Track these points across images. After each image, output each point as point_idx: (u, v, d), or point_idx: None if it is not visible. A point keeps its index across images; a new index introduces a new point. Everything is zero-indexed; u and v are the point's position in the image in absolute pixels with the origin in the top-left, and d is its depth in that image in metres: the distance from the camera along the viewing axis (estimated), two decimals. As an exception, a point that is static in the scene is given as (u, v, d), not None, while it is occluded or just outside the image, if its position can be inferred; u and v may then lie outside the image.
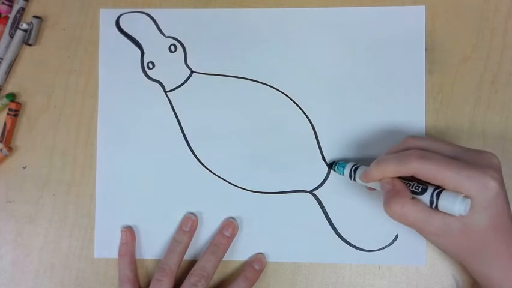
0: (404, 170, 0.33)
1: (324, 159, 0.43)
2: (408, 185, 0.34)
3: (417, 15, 0.43)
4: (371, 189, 0.39)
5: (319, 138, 0.43)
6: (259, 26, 0.44)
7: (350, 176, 0.39)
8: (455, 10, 0.43)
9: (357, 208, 0.42)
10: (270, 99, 0.43)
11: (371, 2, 0.43)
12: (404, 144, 0.36)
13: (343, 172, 0.40)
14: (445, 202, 0.31)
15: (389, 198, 0.33)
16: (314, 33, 0.43)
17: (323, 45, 0.43)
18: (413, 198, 0.33)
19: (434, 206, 0.32)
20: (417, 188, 0.33)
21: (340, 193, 0.42)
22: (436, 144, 0.35)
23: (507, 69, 0.42)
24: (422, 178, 0.32)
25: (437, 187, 0.32)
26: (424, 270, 0.41)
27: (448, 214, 0.32)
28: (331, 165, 0.42)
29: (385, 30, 0.43)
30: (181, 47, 0.44)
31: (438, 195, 0.32)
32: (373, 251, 0.42)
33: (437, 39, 0.43)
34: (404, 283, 0.42)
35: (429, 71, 0.42)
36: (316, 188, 0.42)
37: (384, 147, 0.42)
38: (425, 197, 0.32)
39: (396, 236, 0.42)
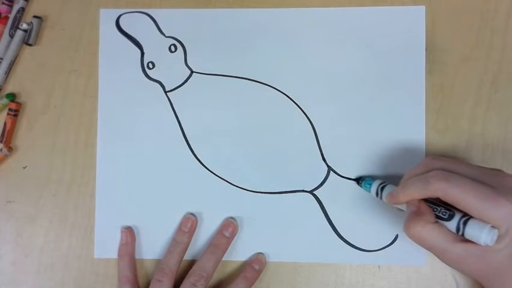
0: (428, 193, 0.32)
1: (324, 159, 0.43)
2: (435, 209, 0.33)
3: (417, 15, 0.43)
4: (400, 209, 0.38)
5: (319, 138, 0.43)
6: (259, 26, 0.44)
7: (377, 194, 0.39)
8: (455, 10, 0.43)
9: (357, 208, 0.42)
10: (270, 99, 0.43)
11: (371, 2, 0.43)
12: (425, 165, 0.35)
13: (369, 189, 0.40)
14: (472, 231, 0.31)
15: (411, 219, 0.33)
16: (314, 33, 0.43)
17: (323, 45, 0.43)
18: (436, 222, 0.33)
19: (460, 233, 0.31)
20: (444, 213, 0.33)
21: (340, 193, 0.42)
22: (458, 165, 0.34)
23: (507, 69, 0.42)
24: (446, 201, 0.32)
25: (464, 214, 0.32)
26: (424, 270, 0.41)
27: (471, 242, 0.31)
28: (358, 180, 0.42)
29: (385, 30, 0.43)
30: (181, 47, 0.44)
31: (465, 223, 0.31)
32: (373, 251, 0.42)
33: (437, 39, 0.43)
34: (404, 283, 0.41)
35: (429, 71, 0.42)
36: (316, 188, 0.42)
37: (384, 147, 0.42)
38: (452, 224, 0.32)
39: (396, 236, 0.42)
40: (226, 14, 0.44)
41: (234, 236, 0.42)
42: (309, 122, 0.43)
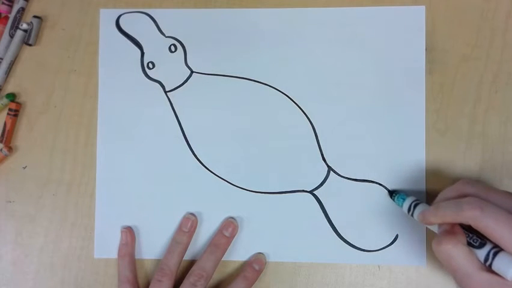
0: (461, 219, 0.32)
1: (324, 159, 0.43)
2: (466, 235, 0.33)
3: (417, 15, 0.43)
4: (431, 229, 0.38)
5: (319, 139, 0.43)
6: (259, 26, 0.44)
7: (408, 211, 0.38)
8: (455, 10, 0.43)
9: (357, 208, 0.42)
10: (270, 99, 0.43)
11: (371, 2, 0.43)
12: (459, 189, 0.35)
13: (402, 204, 0.39)
14: (501, 264, 0.30)
15: (442, 236, 0.32)
16: (314, 33, 0.43)
17: (322, 45, 0.43)
18: (467, 245, 0.32)
19: (488, 263, 0.31)
20: (475, 241, 0.32)
21: (340, 193, 0.42)
22: (493, 193, 0.33)
23: (507, 69, 0.42)
24: (477, 229, 0.31)
25: (495, 245, 0.31)
26: (424, 270, 0.41)
27: (496, 274, 0.31)
28: (391, 194, 0.41)
29: (385, 30, 0.43)
30: (181, 47, 0.44)
31: (495, 254, 0.31)
32: (373, 251, 0.42)
33: (437, 39, 0.43)
34: (404, 283, 0.41)
35: (429, 71, 0.42)
36: (316, 188, 0.42)
37: (384, 147, 0.42)
38: (481, 252, 0.32)
39: (396, 236, 0.42)
40: (226, 14, 0.44)
41: (234, 236, 0.42)
42: (309, 122, 0.43)
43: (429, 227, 0.36)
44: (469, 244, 0.32)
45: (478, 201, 0.32)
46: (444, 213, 0.33)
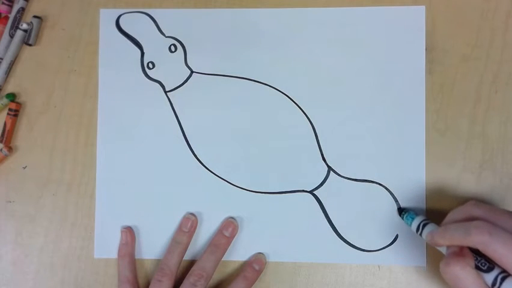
0: (468, 243, 0.32)
1: (324, 159, 0.43)
2: (475, 258, 0.33)
3: (417, 15, 0.43)
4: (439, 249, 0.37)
5: (319, 139, 0.43)
6: (259, 26, 0.44)
7: (417, 230, 0.38)
8: (455, 10, 0.43)
9: (357, 208, 0.42)
10: (270, 99, 0.43)
11: (371, 2, 0.43)
12: (467, 211, 0.34)
13: (411, 223, 0.39)
14: None
15: (450, 258, 0.32)
16: (314, 33, 0.43)
17: (322, 45, 0.43)
18: (475, 268, 0.32)
19: (495, 287, 0.31)
20: (483, 264, 0.32)
21: (340, 193, 0.42)
22: (502, 216, 0.33)
23: (507, 69, 0.42)
24: (486, 254, 0.31)
25: (503, 270, 0.31)
26: (424, 271, 0.41)
27: None
28: (400, 211, 0.41)
29: (385, 30, 0.43)
30: (181, 47, 0.44)
31: (503, 279, 0.31)
32: (373, 251, 0.42)
33: (437, 39, 0.43)
34: (404, 283, 0.41)
35: (429, 71, 0.42)
36: (316, 188, 0.42)
37: (384, 147, 0.42)
38: (489, 277, 0.32)
39: (396, 236, 0.42)
40: (226, 14, 0.44)
41: (234, 236, 0.42)
42: (309, 122, 0.43)
43: (438, 248, 0.36)
44: (477, 267, 0.32)
45: (486, 226, 0.31)
46: (452, 236, 0.33)
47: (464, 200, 0.41)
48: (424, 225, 0.38)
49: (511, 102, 0.42)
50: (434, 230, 0.36)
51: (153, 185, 0.43)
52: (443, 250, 0.35)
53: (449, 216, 0.36)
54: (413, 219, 0.39)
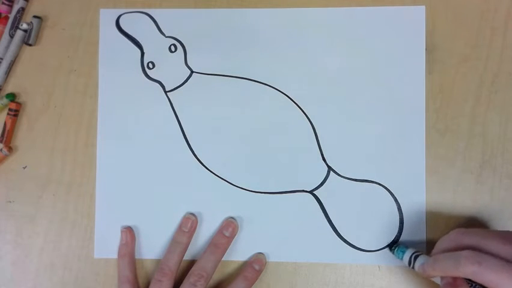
0: (460, 274, 0.32)
1: (324, 159, 0.43)
2: (469, 284, 0.33)
3: (417, 15, 0.43)
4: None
5: (319, 139, 0.43)
6: (259, 26, 0.44)
7: (409, 264, 0.38)
8: (455, 10, 0.43)
9: (357, 208, 0.42)
10: (270, 100, 0.43)
11: (371, 2, 0.43)
12: (455, 239, 0.34)
13: (402, 257, 0.39)
14: None
15: None
16: (314, 33, 0.43)
17: (322, 45, 0.43)
18: None
19: None
20: None
21: (340, 193, 0.42)
22: (490, 242, 0.32)
23: (507, 69, 0.42)
24: (479, 282, 0.31)
25: None
26: (424, 270, 0.41)
27: None
28: (390, 247, 0.41)
29: (385, 30, 0.43)
30: (181, 47, 0.44)
31: None
32: (373, 251, 0.42)
33: (437, 39, 0.43)
34: (404, 283, 0.41)
35: (429, 71, 0.42)
36: (316, 188, 0.42)
37: (384, 147, 0.42)
38: None
39: (397, 236, 0.42)
40: (226, 14, 0.44)
41: (234, 236, 0.42)
42: (309, 122, 0.43)
43: (431, 278, 0.36)
44: None
45: (475, 256, 0.31)
46: (443, 268, 0.33)
47: (463, 200, 0.41)
48: (416, 257, 0.38)
49: (511, 102, 0.42)
50: (424, 262, 0.36)
51: (153, 185, 0.43)
52: (438, 280, 0.35)
53: (438, 246, 0.36)
54: (404, 252, 0.39)
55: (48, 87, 0.45)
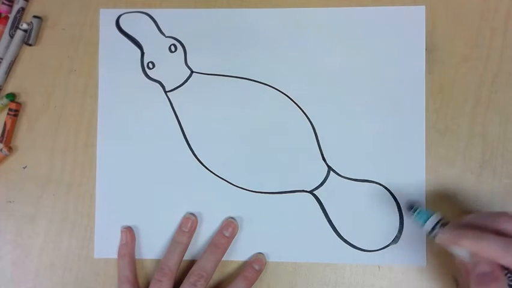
0: (506, 262, 0.30)
1: (324, 159, 0.43)
2: (509, 277, 0.31)
3: (417, 15, 0.43)
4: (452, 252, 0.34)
5: (319, 139, 0.43)
6: (259, 26, 0.44)
7: (432, 231, 0.35)
8: (455, 10, 0.43)
9: (357, 208, 0.42)
10: (270, 100, 0.43)
11: (371, 2, 0.43)
12: (500, 221, 0.32)
13: (424, 222, 0.35)
14: None
15: (482, 282, 0.30)
16: (314, 33, 0.43)
17: (322, 45, 0.43)
18: None
19: None
20: None
21: (340, 193, 0.42)
22: None
23: (507, 69, 0.42)
24: None
25: None
26: (424, 270, 0.41)
27: None
28: (410, 208, 0.38)
29: (385, 30, 0.43)
30: (181, 47, 0.44)
31: None
32: (373, 251, 0.42)
33: (437, 39, 0.43)
34: (404, 283, 0.41)
35: (429, 71, 0.42)
36: (316, 188, 0.42)
37: (384, 147, 0.42)
38: None
39: (397, 236, 0.42)
40: (226, 14, 0.44)
41: (234, 236, 0.42)
42: (309, 122, 0.43)
43: (456, 251, 0.33)
44: (510, 286, 0.31)
45: None
46: (489, 249, 0.30)
47: (463, 200, 0.41)
48: (443, 225, 0.35)
49: (511, 102, 0.42)
50: (463, 231, 0.32)
51: (153, 185, 0.43)
52: (464, 253, 0.32)
53: (475, 218, 0.33)
54: (427, 217, 0.36)
55: (48, 87, 0.45)
